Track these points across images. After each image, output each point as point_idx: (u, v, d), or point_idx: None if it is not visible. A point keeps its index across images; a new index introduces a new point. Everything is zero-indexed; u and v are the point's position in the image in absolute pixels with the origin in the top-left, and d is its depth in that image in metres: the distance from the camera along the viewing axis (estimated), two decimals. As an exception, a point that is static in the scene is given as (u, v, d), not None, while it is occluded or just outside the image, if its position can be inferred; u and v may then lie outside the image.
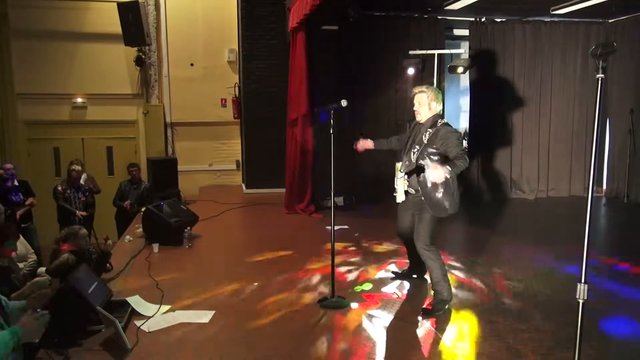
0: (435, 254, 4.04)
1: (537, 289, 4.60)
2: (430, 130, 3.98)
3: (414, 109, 4.14)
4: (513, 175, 9.18)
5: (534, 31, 9.02)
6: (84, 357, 3.30)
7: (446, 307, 4.02)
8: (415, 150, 4.08)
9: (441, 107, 4.10)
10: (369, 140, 4.61)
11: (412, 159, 4.09)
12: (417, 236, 4.09)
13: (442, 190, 3.94)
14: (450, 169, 3.65)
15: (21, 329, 2.78)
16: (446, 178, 3.73)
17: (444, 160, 3.83)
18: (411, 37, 8.68)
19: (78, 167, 7.27)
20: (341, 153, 7.84)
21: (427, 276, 4.71)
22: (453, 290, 4.25)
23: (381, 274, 5.01)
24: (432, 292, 4.16)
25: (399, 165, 4.19)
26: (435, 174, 3.64)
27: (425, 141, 3.99)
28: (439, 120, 4.00)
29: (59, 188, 7.20)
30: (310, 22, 7.02)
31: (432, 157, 3.88)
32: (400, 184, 4.14)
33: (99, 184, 7.93)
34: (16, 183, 6.85)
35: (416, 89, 4.13)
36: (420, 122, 4.12)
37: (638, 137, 8.49)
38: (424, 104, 4.05)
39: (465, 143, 9.82)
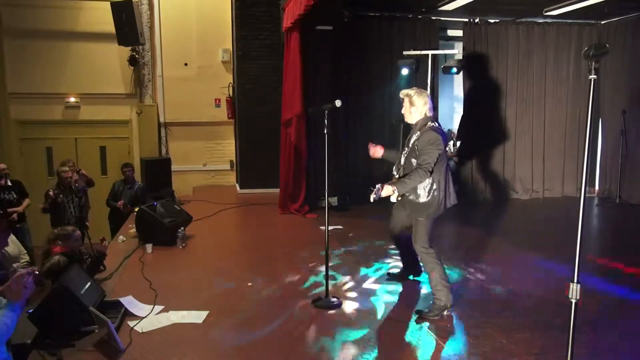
0: (434, 257, 4.00)
1: (530, 289, 4.62)
2: (419, 132, 3.99)
3: (402, 112, 4.16)
4: (506, 175, 9.22)
5: (527, 32, 9.07)
6: (76, 358, 3.28)
7: (444, 313, 3.95)
8: (405, 152, 4.10)
9: (428, 108, 4.04)
10: (379, 147, 4.39)
11: (402, 162, 4.11)
12: (415, 238, 4.06)
13: (424, 194, 3.95)
14: (396, 188, 3.82)
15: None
16: (432, 181, 3.89)
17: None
18: (405, 37, 8.70)
19: (65, 168, 7.20)
20: (335, 153, 7.95)
21: (420, 278, 4.74)
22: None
23: (377, 274, 5.02)
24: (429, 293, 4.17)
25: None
26: (384, 191, 3.81)
27: (411, 144, 4.01)
28: (429, 123, 3.99)
29: (50, 193, 7.11)
30: (304, 22, 7.02)
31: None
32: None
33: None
34: (9, 183, 6.81)
35: (402, 93, 4.14)
36: (411, 124, 4.14)
37: (630, 137, 8.56)
38: (409, 107, 4.07)
39: (458, 144, 9.86)
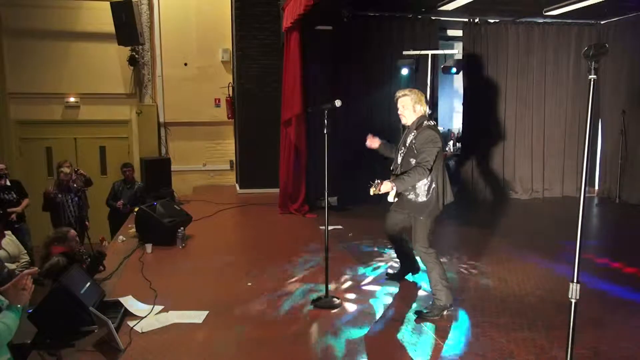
0: (434, 257, 4.00)
1: (530, 289, 4.62)
2: (415, 131, 3.99)
3: (399, 112, 4.17)
4: (506, 175, 9.22)
5: (527, 32, 9.07)
6: (76, 358, 3.28)
7: (444, 313, 3.95)
8: (401, 152, 4.10)
9: (426, 108, 4.08)
10: (377, 138, 4.46)
11: (399, 161, 4.11)
12: (415, 238, 4.06)
13: (424, 192, 3.95)
14: (395, 185, 3.83)
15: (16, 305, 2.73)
16: (431, 179, 3.90)
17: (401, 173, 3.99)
18: (405, 37, 8.70)
19: (64, 169, 7.18)
20: (335, 153, 7.93)
21: (418, 276, 4.73)
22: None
23: (376, 274, 5.02)
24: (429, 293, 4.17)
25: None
26: (383, 186, 3.81)
27: (408, 143, 4.02)
28: (425, 122, 4.00)
29: (50, 189, 7.10)
30: (304, 22, 7.02)
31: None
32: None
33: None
34: (8, 183, 6.80)
35: (399, 93, 4.14)
36: (407, 124, 4.14)
37: (630, 137, 8.56)
38: (408, 107, 4.07)
39: (457, 145, 9.87)
